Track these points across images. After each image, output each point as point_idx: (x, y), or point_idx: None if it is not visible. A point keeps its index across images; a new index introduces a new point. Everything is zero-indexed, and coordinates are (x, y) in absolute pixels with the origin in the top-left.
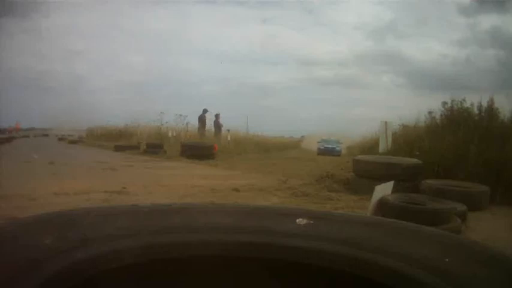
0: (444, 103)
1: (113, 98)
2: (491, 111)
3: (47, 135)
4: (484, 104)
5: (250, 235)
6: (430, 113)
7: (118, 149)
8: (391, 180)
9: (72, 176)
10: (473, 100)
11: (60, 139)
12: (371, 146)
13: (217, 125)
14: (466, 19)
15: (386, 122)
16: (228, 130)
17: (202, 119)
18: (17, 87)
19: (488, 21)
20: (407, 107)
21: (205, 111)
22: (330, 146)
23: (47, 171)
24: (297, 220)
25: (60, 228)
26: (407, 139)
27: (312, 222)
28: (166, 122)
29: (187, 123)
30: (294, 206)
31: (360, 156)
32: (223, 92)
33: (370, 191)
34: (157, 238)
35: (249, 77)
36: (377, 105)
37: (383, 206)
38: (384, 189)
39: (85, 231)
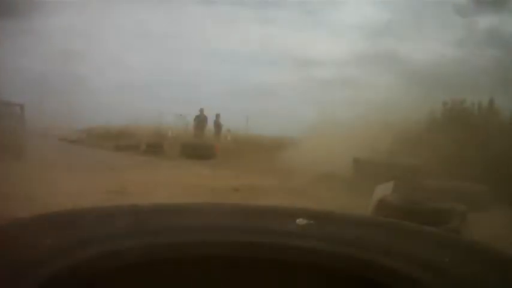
0: (444, 103)
1: (113, 98)
2: (491, 111)
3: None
4: (484, 104)
5: (250, 235)
6: (430, 113)
7: (118, 148)
8: (391, 179)
9: (72, 176)
10: (473, 100)
11: (61, 139)
12: None
13: (218, 125)
14: (464, 19)
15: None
16: (229, 130)
17: (201, 119)
18: (17, 88)
19: (487, 20)
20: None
21: (202, 111)
22: None
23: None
24: (297, 220)
25: (60, 228)
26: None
27: (312, 222)
28: (167, 122)
29: (187, 124)
30: (294, 206)
31: (360, 156)
32: (222, 92)
33: (371, 191)
34: (158, 238)
35: (249, 77)
36: (377, 105)
37: (383, 206)
38: (384, 189)
39: (85, 231)
